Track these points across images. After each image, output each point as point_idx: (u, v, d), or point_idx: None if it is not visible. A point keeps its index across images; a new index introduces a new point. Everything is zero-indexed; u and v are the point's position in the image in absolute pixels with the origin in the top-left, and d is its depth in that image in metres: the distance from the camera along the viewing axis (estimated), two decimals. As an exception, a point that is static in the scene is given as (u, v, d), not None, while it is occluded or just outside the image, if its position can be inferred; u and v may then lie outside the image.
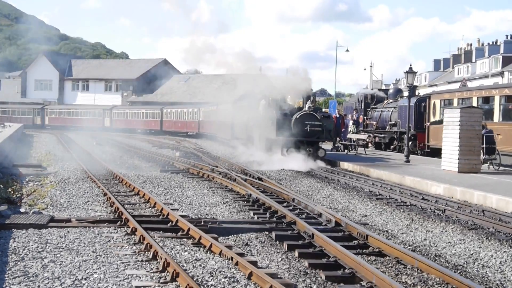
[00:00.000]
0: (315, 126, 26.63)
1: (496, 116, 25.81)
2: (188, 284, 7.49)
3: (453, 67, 78.93)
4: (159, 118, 68.38)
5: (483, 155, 23.36)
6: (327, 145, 33.39)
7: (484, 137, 23.12)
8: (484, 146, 23.13)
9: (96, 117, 78.67)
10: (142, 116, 71.89)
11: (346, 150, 34.70)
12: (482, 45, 76.85)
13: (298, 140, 26.60)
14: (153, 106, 72.54)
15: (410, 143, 29.26)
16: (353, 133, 36.23)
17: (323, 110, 36.23)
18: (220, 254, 9.42)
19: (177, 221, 11.74)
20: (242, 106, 38.39)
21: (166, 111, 67.02)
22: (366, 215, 14.16)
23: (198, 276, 8.25)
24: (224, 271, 8.44)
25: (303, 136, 26.60)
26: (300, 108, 27.77)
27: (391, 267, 9.18)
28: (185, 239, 10.65)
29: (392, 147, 37.30)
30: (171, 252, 9.63)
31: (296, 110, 27.54)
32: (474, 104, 26.72)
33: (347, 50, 71.92)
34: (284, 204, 14.69)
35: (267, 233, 11.47)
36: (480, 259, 10.01)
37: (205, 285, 7.87)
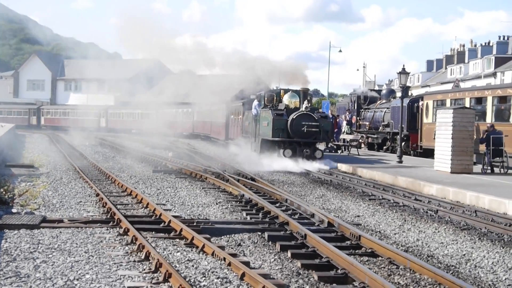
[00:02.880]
0: (312, 127, 26.17)
1: (489, 117, 25.88)
2: (180, 285, 7.48)
3: (446, 68, 79.14)
4: (154, 118, 68.17)
5: (490, 158, 22.71)
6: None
7: (491, 138, 22.58)
8: (491, 148, 22.56)
9: (91, 118, 78.56)
10: (137, 117, 71.72)
11: (339, 151, 34.73)
12: (475, 46, 77.06)
13: (295, 141, 26.23)
14: (148, 107, 72.30)
15: (403, 143, 29.31)
16: (346, 133, 36.28)
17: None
18: (212, 254, 9.41)
19: (169, 221, 11.72)
20: (236, 106, 38.32)
21: (161, 112, 66.81)
22: (359, 216, 14.17)
23: (190, 276, 8.24)
24: (216, 272, 8.43)
25: (299, 137, 26.22)
26: (297, 108, 27.30)
27: (384, 267, 9.19)
28: (177, 240, 10.64)
29: (385, 147, 37.39)
30: (163, 252, 9.62)
31: (293, 110, 27.10)
32: (467, 105, 26.78)
33: (340, 51, 71.68)
34: (277, 205, 14.68)
35: (259, 233, 11.46)
36: (473, 260, 10.02)
37: (198, 286, 7.85)
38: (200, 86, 38.59)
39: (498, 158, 22.78)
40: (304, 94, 27.80)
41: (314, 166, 25.16)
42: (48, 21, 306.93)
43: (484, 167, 22.96)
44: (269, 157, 26.43)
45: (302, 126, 26.09)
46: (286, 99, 28.28)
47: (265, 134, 27.32)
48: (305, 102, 26.95)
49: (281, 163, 25.25)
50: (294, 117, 26.34)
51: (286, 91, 29.16)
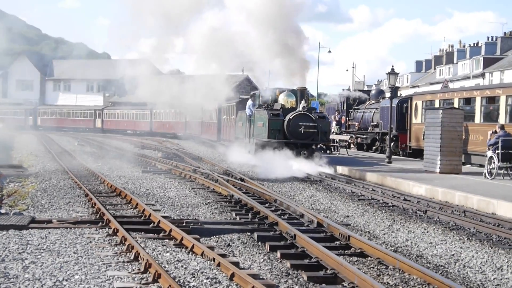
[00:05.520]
0: (310, 128, 25.05)
1: (477, 118, 25.98)
2: (170, 285, 7.47)
3: (434, 68, 79.34)
4: (149, 119, 68.06)
5: (498, 162, 20.60)
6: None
7: (500, 141, 20.81)
8: (499, 151, 20.71)
9: (87, 118, 78.42)
10: (133, 117, 71.55)
11: (328, 151, 34.66)
12: (464, 46, 77.27)
13: (292, 142, 25.16)
14: (143, 107, 72.19)
15: (392, 144, 29.35)
16: (336, 134, 36.28)
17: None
18: (202, 255, 9.40)
19: (159, 222, 11.70)
20: (228, 106, 38.17)
21: (156, 112, 66.72)
22: (348, 216, 14.19)
23: (180, 277, 8.23)
24: (206, 272, 8.42)
25: (297, 138, 25.16)
26: (293, 108, 26.14)
27: (373, 267, 9.21)
28: (167, 240, 10.62)
29: (374, 148, 37.45)
30: (152, 253, 9.60)
31: (289, 110, 25.99)
32: (456, 105, 26.87)
33: (329, 51, 71.81)
34: (266, 205, 14.67)
35: (249, 234, 11.46)
36: (461, 260, 10.06)
37: (187, 286, 7.85)
38: (191, 86, 38.34)
39: (506, 162, 20.86)
40: (301, 93, 26.40)
41: (312, 168, 24.01)
42: (37, 21, 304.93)
43: (492, 171, 20.82)
44: (265, 159, 25.49)
45: (300, 127, 24.98)
46: (282, 98, 27.09)
47: (260, 135, 26.39)
48: (302, 101, 25.62)
49: (278, 166, 24.34)
50: (291, 117, 25.21)
51: (281, 90, 27.95)
